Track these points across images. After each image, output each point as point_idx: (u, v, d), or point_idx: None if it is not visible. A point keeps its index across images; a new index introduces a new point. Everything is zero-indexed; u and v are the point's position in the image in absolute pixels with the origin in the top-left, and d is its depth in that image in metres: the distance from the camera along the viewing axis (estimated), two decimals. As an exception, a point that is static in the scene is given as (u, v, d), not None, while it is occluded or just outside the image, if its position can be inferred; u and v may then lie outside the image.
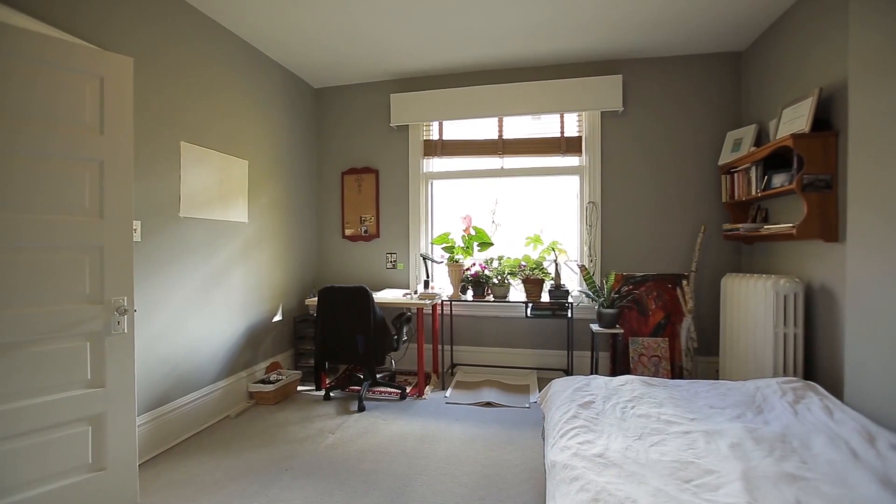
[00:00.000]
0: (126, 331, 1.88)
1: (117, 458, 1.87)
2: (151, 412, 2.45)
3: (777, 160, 2.73)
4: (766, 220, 3.06)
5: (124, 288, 1.88)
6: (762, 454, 1.52)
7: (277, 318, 3.65)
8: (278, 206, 3.66)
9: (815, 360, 2.57)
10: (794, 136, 2.42)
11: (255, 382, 3.23)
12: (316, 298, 3.24)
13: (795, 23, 2.78)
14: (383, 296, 3.57)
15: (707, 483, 1.36)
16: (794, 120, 2.53)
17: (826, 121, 2.44)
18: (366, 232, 4.15)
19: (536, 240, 3.63)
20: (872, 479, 1.34)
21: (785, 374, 2.54)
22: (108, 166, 1.83)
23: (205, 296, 2.87)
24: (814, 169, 2.39)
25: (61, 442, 1.74)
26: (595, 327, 3.23)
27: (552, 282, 3.42)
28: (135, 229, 2.28)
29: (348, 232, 4.20)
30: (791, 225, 2.50)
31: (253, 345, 3.34)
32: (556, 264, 3.44)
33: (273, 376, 3.31)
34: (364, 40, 3.28)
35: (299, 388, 3.53)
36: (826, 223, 2.39)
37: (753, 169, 2.89)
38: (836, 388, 2.21)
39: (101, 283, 1.83)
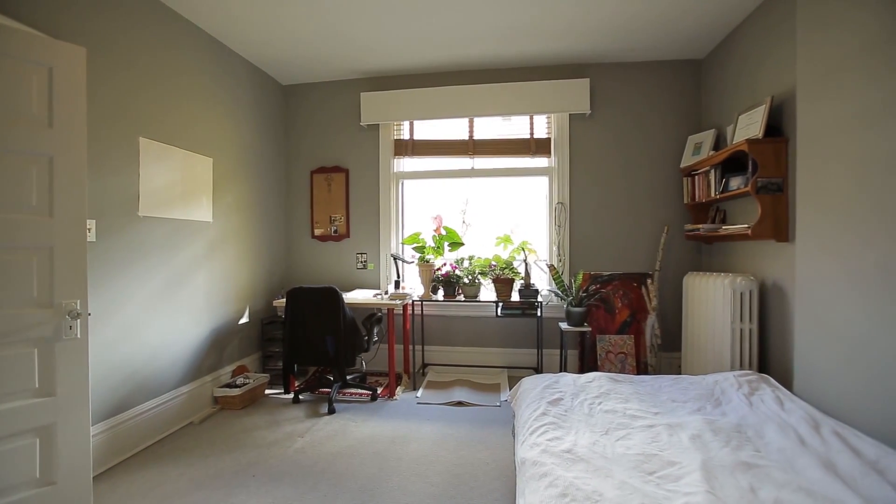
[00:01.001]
0: (79, 336, 1.78)
1: (69, 470, 1.77)
2: (108, 421, 2.33)
3: (734, 164, 2.86)
4: (724, 221, 3.20)
5: (77, 290, 1.78)
6: (720, 444, 1.59)
7: (244, 320, 3.55)
8: (245, 205, 3.56)
9: (768, 353, 2.71)
10: (749, 141, 2.54)
11: (221, 387, 3.13)
12: (284, 299, 3.17)
13: (749, 34, 2.93)
14: (353, 296, 3.53)
15: (669, 474, 1.41)
16: (749, 126, 2.66)
17: (777, 127, 2.57)
18: (336, 232, 4.09)
19: (506, 240, 3.67)
20: (817, 464, 1.43)
21: (741, 367, 2.67)
22: (58, 162, 1.73)
23: (166, 298, 2.75)
24: (767, 173, 2.52)
25: (4, 456, 1.63)
26: (564, 326, 3.30)
27: (522, 281, 3.46)
28: (89, 229, 2.17)
29: (318, 232, 4.12)
30: (747, 226, 2.63)
31: (218, 348, 3.23)
32: (526, 264, 3.49)
33: (239, 380, 3.22)
34: (337, 37, 3.22)
35: (267, 391, 3.44)
36: (778, 224, 2.52)
37: (712, 172, 3.02)
38: (786, 380, 2.34)
39: (51, 286, 1.72)
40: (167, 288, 2.76)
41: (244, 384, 3.16)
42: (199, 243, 3.05)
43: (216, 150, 3.21)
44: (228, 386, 3.14)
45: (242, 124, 3.53)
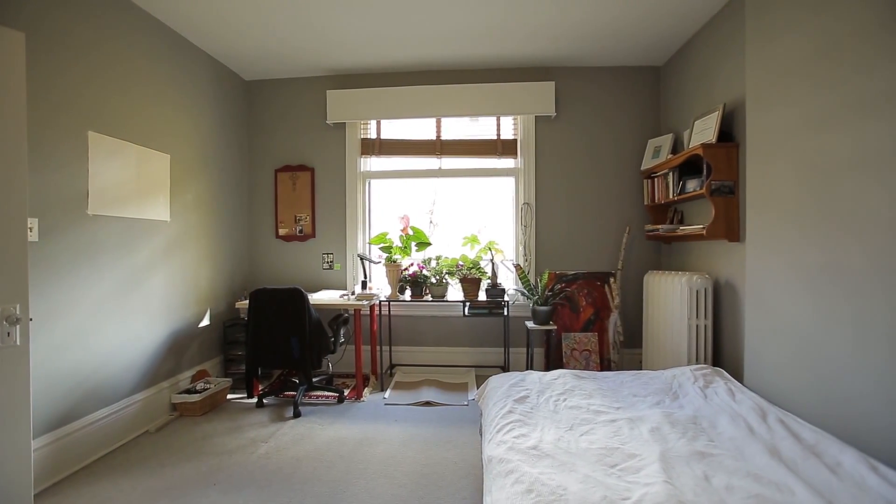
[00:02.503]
0: (18, 343, 1.66)
1: (6, 488, 1.64)
2: (54, 432, 2.19)
3: (691, 167, 2.99)
4: (681, 222, 3.34)
5: (16, 294, 1.66)
6: (677, 436, 1.66)
7: (205, 322, 3.41)
8: (205, 203, 3.43)
9: (721, 347, 2.85)
10: (704, 146, 2.66)
11: (180, 393, 3.00)
12: (247, 301, 3.07)
13: (703, 43, 3.07)
14: (319, 297, 3.46)
15: (630, 466, 1.46)
16: (704, 131, 2.79)
17: (729, 133, 2.71)
18: (301, 232, 4.00)
19: (473, 240, 3.70)
20: (763, 451, 1.52)
21: (697, 361, 2.79)
22: (-5, 156, 1.61)
23: (120, 301, 2.61)
24: (720, 176, 2.65)
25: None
26: (530, 324, 3.35)
27: (489, 281, 3.50)
28: (30, 228, 2.03)
29: (282, 232, 4.02)
30: (702, 226, 2.76)
31: (177, 352, 3.10)
32: (493, 264, 3.52)
33: (200, 385, 3.09)
34: (304, 30, 3.13)
35: (229, 396, 3.32)
36: (730, 225, 2.65)
37: (671, 174, 3.15)
38: (737, 372, 2.47)
39: (-13, 289, 1.60)
40: (120, 290, 2.62)
41: (204, 389, 3.04)
42: (156, 243, 2.91)
43: (174, 146, 3.07)
44: (188, 392, 3.01)
45: (202, 120, 3.39)
